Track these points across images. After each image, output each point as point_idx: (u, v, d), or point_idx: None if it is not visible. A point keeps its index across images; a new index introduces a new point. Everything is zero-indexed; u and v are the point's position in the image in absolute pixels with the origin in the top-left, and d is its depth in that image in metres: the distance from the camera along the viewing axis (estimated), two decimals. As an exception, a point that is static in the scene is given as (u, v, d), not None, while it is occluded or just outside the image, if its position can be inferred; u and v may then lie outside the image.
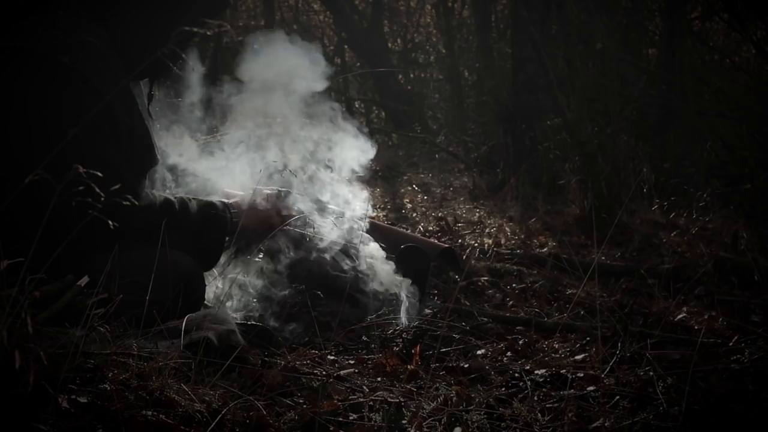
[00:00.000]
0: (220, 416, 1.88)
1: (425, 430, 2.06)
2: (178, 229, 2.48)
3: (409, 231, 4.62)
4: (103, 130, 2.34)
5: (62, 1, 2.45)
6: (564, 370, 2.56)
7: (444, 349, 2.87)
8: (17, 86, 2.33)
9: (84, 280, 1.93)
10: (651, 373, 2.47)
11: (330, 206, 3.13)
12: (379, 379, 2.45)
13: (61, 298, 1.91)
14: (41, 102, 2.32)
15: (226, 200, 2.72)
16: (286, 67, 2.94)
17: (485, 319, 3.29)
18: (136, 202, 1.86)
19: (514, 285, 4.00)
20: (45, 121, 2.29)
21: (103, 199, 1.73)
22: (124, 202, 1.77)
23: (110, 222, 1.78)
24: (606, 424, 2.14)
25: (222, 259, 2.79)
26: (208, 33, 1.82)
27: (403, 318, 3.09)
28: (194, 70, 2.64)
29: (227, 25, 2.05)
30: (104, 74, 2.38)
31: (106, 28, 2.46)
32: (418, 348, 2.74)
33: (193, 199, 2.63)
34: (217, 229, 2.63)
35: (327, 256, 3.07)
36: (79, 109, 2.22)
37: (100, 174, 1.71)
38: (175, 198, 2.58)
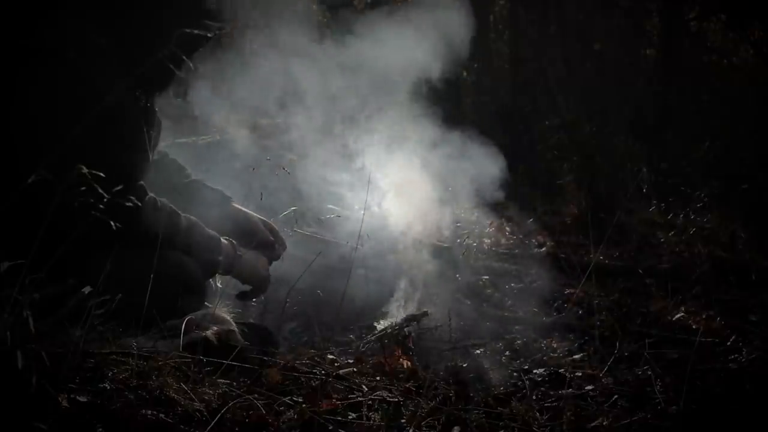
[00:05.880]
0: (219, 415, 1.89)
1: (424, 429, 2.07)
2: (174, 240, 2.47)
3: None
4: (111, 129, 2.34)
5: (70, 2, 2.46)
6: (562, 370, 2.57)
7: (443, 349, 2.88)
8: (24, 83, 2.34)
9: (86, 289, 1.93)
10: (649, 373, 2.48)
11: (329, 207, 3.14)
12: (378, 378, 2.46)
13: (62, 301, 1.92)
14: (48, 99, 2.32)
15: (233, 243, 2.69)
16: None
17: (484, 318, 3.30)
18: (140, 204, 1.86)
19: (512, 284, 4.01)
20: (52, 118, 2.30)
21: (106, 199, 1.73)
22: (127, 203, 1.77)
23: (112, 222, 1.78)
24: (604, 423, 2.14)
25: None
26: (209, 35, 1.83)
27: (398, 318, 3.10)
28: (197, 73, 2.64)
29: (227, 27, 2.06)
30: (111, 74, 2.38)
31: (111, 29, 2.46)
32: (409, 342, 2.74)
33: (205, 227, 2.60)
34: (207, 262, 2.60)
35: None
36: (85, 107, 2.22)
37: (105, 174, 1.72)
38: (185, 217, 2.55)
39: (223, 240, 2.63)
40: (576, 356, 2.81)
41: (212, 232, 2.60)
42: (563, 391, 2.36)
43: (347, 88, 3.17)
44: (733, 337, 2.98)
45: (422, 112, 3.47)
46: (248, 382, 2.14)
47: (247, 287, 2.77)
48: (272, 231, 2.88)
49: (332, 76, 3.15)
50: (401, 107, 3.41)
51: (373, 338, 2.94)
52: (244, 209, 2.88)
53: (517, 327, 3.26)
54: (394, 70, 3.19)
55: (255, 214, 2.88)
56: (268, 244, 2.83)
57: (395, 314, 3.16)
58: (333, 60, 3.10)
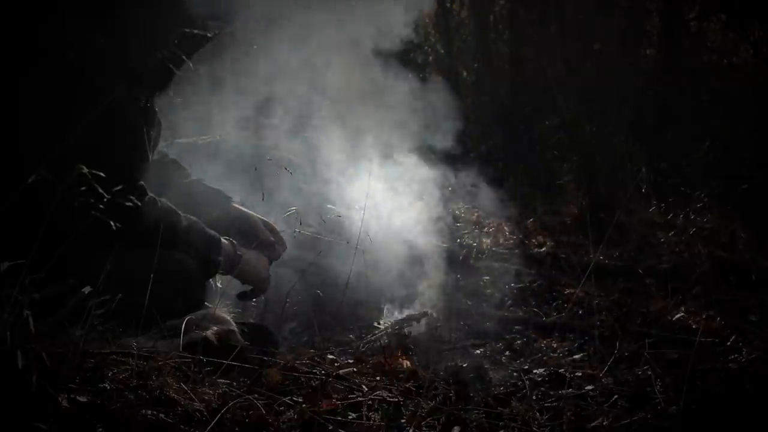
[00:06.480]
0: (219, 415, 1.89)
1: (424, 429, 2.07)
2: (174, 240, 2.47)
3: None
4: (111, 129, 2.34)
5: (70, 2, 2.46)
6: (562, 370, 2.58)
7: (443, 349, 2.88)
8: (24, 84, 2.34)
9: (87, 289, 1.93)
10: (649, 373, 2.48)
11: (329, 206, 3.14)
12: (378, 378, 2.46)
13: (62, 301, 1.92)
14: (48, 100, 2.32)
15: (233, 243, 2.68)
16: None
17: (484, 318, 3.30)
18: (139, 204, 1.86)
19: (512, 284, 4.01)
20: (52, 119, 2.30)
21: (106, 199, 1.73)
22: (127, 203, 1.77)
23: (112, 222, 1.78)
24: (604, 423, 2.14)
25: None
26: (209, 35, 1.83)
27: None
28: (195, 72, 2.64)
29: (226, 26, 2.06)
30: (111, 74, 2.39)
31: (111, 30, 2.46)
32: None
33: (206, 227, 2.60)
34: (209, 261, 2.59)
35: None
36: (86, 107, 2.23)
37: (105, 174, 1.72)
38: (185, 217, 2.54)
39: (223, 240, 2.63)
40: (576, 356, 2.81)
41: (212, 232, 2.60)
42: (563, 391, 2.36)
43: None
44: (733, 337, 2.98)
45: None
46: (248, 382, 2.14)
47: (247, 287, 2.77)
48: (272, 231, 2.88)
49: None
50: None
51: (373, 338, 2.94)
52: (244, 209, 2.88)
53: (517, 327, 3.26)
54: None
55: (255, 214, 2.88)
56: (269, 244, 2.82)
57: (395, 314, 3.16)
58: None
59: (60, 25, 2.40)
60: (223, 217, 2.78)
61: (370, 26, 3.17)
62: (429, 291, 3.57)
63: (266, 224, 2.88)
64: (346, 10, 3.11)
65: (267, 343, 2.52)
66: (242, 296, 2.80)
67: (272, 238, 2.85)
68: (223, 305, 2.49)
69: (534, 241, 5.11)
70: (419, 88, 3.65)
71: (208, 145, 4.10)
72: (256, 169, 2.91)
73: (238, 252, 2.66)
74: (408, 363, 2.62)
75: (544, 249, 4.81)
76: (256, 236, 2.80)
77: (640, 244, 4.93)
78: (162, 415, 1.82)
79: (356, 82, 3.39)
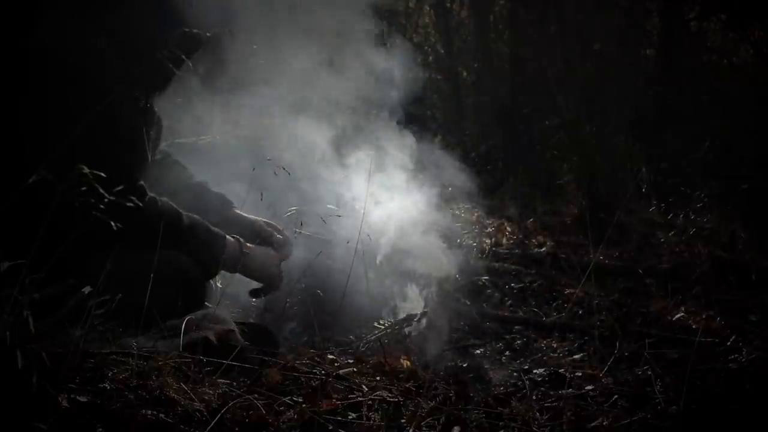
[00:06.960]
0: (219, 415, 1.89)
1: (424, 429, 2.07)
2: (176, 239, 2.46)
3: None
4: (111, 130, 2.34)
5: (70, 3, 2.46)
6: (562, 370, 2.58)
7: (443, 349, 2.88)
8: (23, 84, 2.34)
9: (87, 289, 1.93)
10: (649, 373, 2.48)
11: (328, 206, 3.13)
12: (378, 378, 2.45)
13: (62, 301, 1.92)
14: (47, 101, 2.33)
15: (240, 240, 2.67)
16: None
17: (484, 318, 3.30)
18: (140, 204, 1.86)
19: (512, 284, 4.02)
20: (51, 120, 2.30)
21: (107, 199, 1.74)
22: (128, 203, 1.77)
23: (112, 222, 1.79)
24: (604, 423, 2.14)
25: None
26: (208, 34, 1.83)
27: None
28: (194, 72, 2.64)
29: (226, 28, 2.06)
30: (110, 75, 2.39)
31: (109, 30, 2.46)
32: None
33: (209, 225, 2.59)
34: (213, 258, 2.57)
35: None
36: (85, 108, 2.23)
37: (105, 174, 1.72)
38: (187, 216, 2.53)
39: (228, 237, 2.61)
40: (576, 356, 2.81)
41: (216, 230, 2.59)
42: (563, 391, 2.36)
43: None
44: (733, 337, 2.98)
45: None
46: (248, 382, 2.14)
47: (259, 284, 2.75)
48: (277, 231, 2.87)
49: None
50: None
51: (373, 338, 2.94)
52: (245, 214, 2.87)
53: (517, 327, 3.26)
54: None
55: (258, 218, 2.87)
56: (272, 241, 2.81)
57: (395, 314, 3.16)
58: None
59: (60, 25, 2.41)
60: (224, 222, 2.77)
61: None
62: (429, 291, 3.57)
63: (269, 225, 2.87)
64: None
65: (267, 343, 2.52)
66: (254, 293, 2.78)
67: (279, 236, 2.83)
68: (223, 305, 2.48)
69: (534, 241, 5.11)
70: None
71: (208, 145, 4.10)
72: (254, 169, 2.90)
73: (244, 249, 2.64)
74: (408, 363, 2.61)
75: (544, 249, 4.81)
76: (260, 235, 2.80)
77: (640, 244, 4.93)
78: (162, 415, 1.82)
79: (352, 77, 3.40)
